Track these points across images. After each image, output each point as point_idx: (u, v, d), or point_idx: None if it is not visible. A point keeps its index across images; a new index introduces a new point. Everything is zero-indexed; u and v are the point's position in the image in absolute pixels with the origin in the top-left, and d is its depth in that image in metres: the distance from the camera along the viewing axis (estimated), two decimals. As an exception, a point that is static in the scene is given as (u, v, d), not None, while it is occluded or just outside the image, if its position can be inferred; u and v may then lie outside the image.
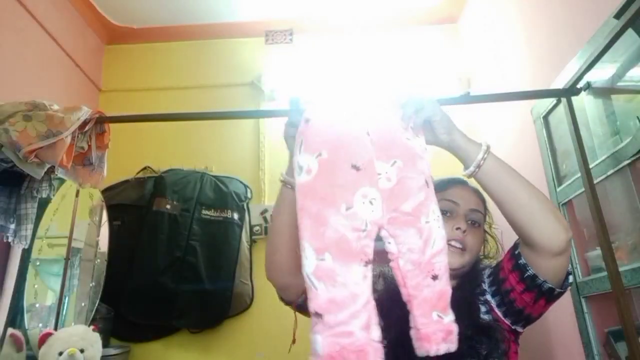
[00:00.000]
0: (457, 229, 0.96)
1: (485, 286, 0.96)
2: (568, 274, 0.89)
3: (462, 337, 0.88)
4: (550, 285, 0.86)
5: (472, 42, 2.53)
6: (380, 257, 0.86)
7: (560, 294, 0.89)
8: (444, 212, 0.98)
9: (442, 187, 1.04)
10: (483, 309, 0.94)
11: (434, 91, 2.52)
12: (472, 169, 0.85)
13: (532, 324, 0.97)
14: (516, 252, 0.90)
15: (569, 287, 0.92)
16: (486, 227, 1.05)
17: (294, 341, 1.11)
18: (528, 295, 0.88)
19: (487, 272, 0.99)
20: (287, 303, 1.02)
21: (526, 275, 0.87)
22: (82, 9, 2.47)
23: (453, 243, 0.96)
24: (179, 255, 2.15)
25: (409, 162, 0.81)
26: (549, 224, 0.81)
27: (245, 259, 2.27)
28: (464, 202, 1.00)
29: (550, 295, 0.88)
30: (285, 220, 0.90)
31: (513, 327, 0.94)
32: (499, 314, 0.93)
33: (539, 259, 0.85)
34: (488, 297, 0.95)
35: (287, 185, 0.90)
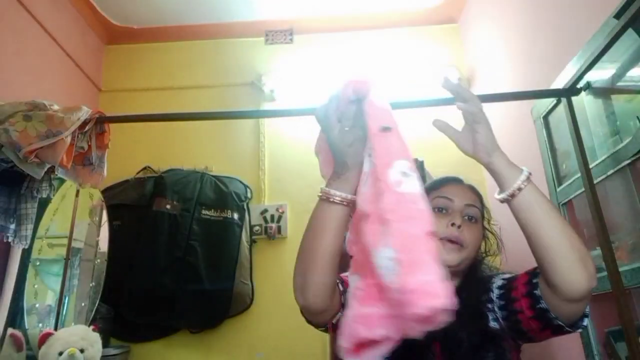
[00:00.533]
0: (452, 224, 0.95)
1: (494, 296, 0.93)
2: (584, 316, 0.84)
3: (469, 345, 0.86)
4: (560, 323, 0.82)
5: (472, 42, 2.53)
6: None
7: (570, 332, 0.84)
8: (439, 209, 0.98)
9: (437, 185, 1.04)
10: (490, 316, 0.91)
11: (434, 91, 2.52)
12: (504, 195, 0.82)
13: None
14: (534, 281, 0.86)
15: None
16: (485, 223, 1.04)
17: None
18: (535, 323, 0.85)
19: (497, 281, 0.95)
20: (319, 326, 0.91)
21: (538, 306, 0.83)
22: (82, 9, 2.47)
23: (448, 245, 0.94)
24: (179, 255, 2.15)
25: None
26: (573, 271, 0.76)
27: (245, 259, 2.27)
28: (458, 199, 0.99)
29: (557, 330, 0.84)
30: (330, 241, 0.79)
31: (514, 340, 0.93)
32: (504, 326, 0.91)
33: (555, 298, 0.80)
34: (495, 307, 0.92)
35: (333, 198, 0.79)
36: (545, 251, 0.78)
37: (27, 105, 1.34)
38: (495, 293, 0.93)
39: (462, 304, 0.91)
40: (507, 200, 0.82)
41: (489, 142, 0.83)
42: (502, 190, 0.83)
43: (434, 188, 1.03)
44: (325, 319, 0.88)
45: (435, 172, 2.05)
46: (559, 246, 0.77)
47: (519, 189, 0.79)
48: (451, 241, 0.94)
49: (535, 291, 0.84)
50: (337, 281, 0.88)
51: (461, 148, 0.88)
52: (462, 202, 0.99)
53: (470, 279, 0.97)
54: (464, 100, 0.85)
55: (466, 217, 0.98)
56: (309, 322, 0.89)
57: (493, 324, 0.91)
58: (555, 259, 0.76)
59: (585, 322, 0.85)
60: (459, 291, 0.94)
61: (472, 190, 1.04)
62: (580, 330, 0.86)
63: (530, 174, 0.81)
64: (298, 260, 0.83)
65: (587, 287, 0.76)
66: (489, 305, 0.92)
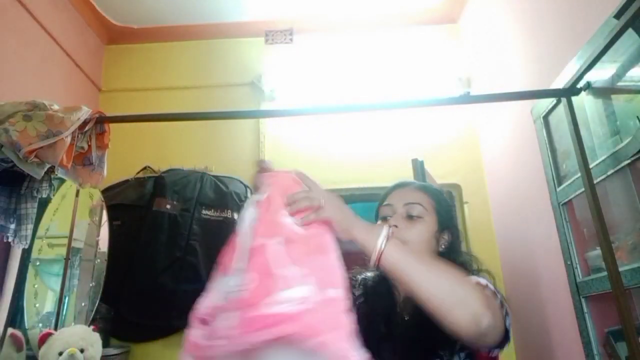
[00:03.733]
0: (395, 226, 0.97)
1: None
2: (506, 330, 0.84)
3: (422, 347, 0.87)
4: (484, 347, 0.84)
5: (472, 42, 2.53)
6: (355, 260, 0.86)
7: (500, 349, 0.86)
8: (383, 219, 1.01)
9: (383, 197, 1.06)
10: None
11: (433, 91, 2.52)
12: (372, 261, 0.79)
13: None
14: None
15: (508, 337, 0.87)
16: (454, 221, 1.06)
17: None
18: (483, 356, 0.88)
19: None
20: None
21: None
22: (82, 9, 2.48)
23: None
24: (179, 255, 2.15)
25: None
26: (456, 316, 0.74)
27: (245, 259, 2.26)
28: (398, 202, 1.01)
29: (487, 351, 0.86)
30: None
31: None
32: None
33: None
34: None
35: None
36: (425, 303, 0.76)
37: (27, 105, 1.35)
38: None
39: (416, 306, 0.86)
40: (376, 265, 0.79)
41: (345, 224, 0.80)
42: (369, 258, 0.80)
43: (381, 202, 1.06)
44: None
45: (435, 171, 2.05)
46: (434, 297, 0.75)
47: (380, 252, 0.77)
48: None
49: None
50: None
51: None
52: (401, 203, 1.00)
53: None
54: (314, 210, 0.80)
55: (407, 216, 0.99)
56: None
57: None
58: (435, 308, 0.75)
59: (509, 336, 0.85)
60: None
61: (420, 190, 1.05)
62: (507, 343, 0.86)
63: (389, 233, 0.80)
64: None
65: (473, 327, 0.74)
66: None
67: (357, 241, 0.80)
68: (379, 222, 1.03)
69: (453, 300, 0.75)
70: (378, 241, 0.78)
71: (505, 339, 0.84)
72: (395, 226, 0.97)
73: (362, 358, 0.65)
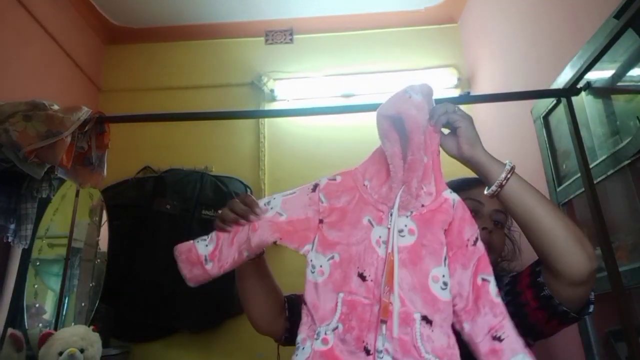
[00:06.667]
0: (484, 229, 0.96)
1: (502, 293, 0.94)
2: (590, 302, 0.85)
3: None
4: (565, 309, 0.83)
5: (472, 42, 2.53)
6: None
7: (576, 319, 0.85)
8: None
9: (466, 186, 1.03)
10: None
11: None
12: (493, 188, 0.82)
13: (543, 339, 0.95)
14: (537, 269, 0.88)
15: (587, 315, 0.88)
16: (505, 230, 1.05)
17: None
18: (541, 313, 0.86)
19: (505, 280, 0.96)
20: (277, 341, 1.12)
21: (542, 294, 0.85)
22: (82, 9, 2.47)
23: None
24: (179, 255, 2.15)
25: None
26: (572, 254, 0.76)
27: (245, 259, 2.26)
28: (488, 203, 0.99)
29: (564, 318, 0.85)
30: (254, 286, 1.01)
31: (524, 338, 0.93)
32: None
33: (558, 284, 0.81)
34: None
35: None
36: (542, 237, 0.78)
37: (27, 105, 1.35)
38: (503, 290, 0.93)
39: None
40: (496, 193, 0.82)
41: (470, 135, 0.83)
42: (489, 185, 0.83)
43: (462, 189, 1.02)
44: (277, 337, 1.09)
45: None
46: (555, 230, 0.77)
47: (506, 180, 0.80)
48: None
49: (538, 279, 0.85)
50: (286, 307, 1.01)
51: (446, 150, 0.86)
52: (492, 207, 0.99)
53: None
54: (437, 117, 0.83)
55: (494, 222, 0.99)
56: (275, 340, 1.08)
57: None
58: (554, 243, 0.77)
59: (591, 308, 0.86)
60: None
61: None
62: (586, 316, 0.87)
63: (513, 166, 0.82)
64: (242, 304, 1.03)
65: (588, 267, 0.77)
66: None
67: (479, 162, 0.82)
68: None
69: (574, 236, 0.77)
70: (505, 168, 0.80)
71: (587, 306, 0.85)
72: (485, 228, 0.96)
73: None
